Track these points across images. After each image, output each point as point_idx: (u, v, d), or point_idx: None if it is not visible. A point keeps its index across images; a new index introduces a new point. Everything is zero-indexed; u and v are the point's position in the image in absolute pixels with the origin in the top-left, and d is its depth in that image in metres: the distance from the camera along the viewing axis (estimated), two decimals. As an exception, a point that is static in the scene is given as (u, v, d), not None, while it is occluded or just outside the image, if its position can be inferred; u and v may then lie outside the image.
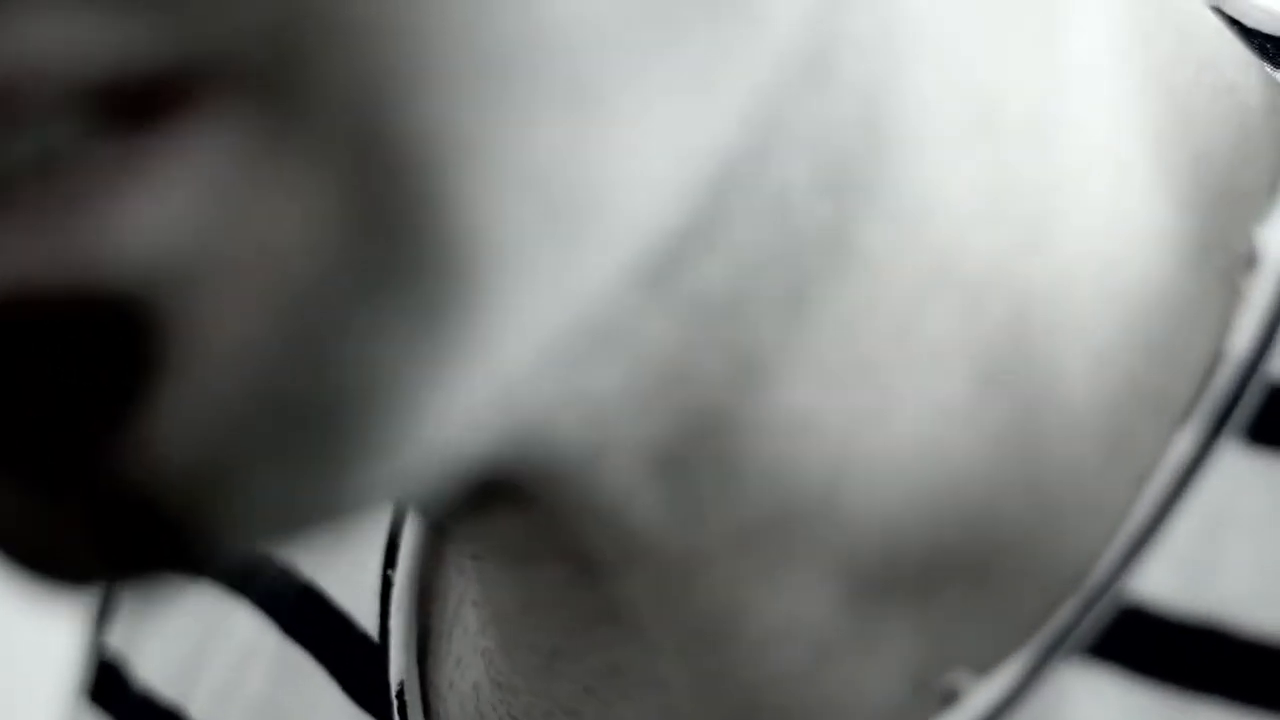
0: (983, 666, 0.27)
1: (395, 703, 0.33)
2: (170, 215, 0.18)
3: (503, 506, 0.27)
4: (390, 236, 0.18)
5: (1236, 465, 0.28)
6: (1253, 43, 0.32)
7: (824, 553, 0.27)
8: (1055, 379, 0.28)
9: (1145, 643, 0.27)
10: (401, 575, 0.34)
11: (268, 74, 0.18)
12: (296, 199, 0.18)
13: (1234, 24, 0.32)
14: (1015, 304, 0.27)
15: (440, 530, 0.32)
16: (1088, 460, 0.28)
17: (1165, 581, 0.27)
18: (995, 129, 0.26)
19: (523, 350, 0.20)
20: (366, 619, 0.35)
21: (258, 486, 0.19)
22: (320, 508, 0.20)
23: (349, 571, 0.35)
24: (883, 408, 0.26)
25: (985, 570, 0.28)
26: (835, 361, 0.26)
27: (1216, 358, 0.28)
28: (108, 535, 0.20)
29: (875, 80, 0.24)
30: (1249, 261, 0.28)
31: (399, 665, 0.33)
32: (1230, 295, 0.29)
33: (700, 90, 0.20)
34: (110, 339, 0.18)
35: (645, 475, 0.26)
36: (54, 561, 0.20)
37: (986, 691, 0.27)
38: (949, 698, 0.27)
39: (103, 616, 0.42)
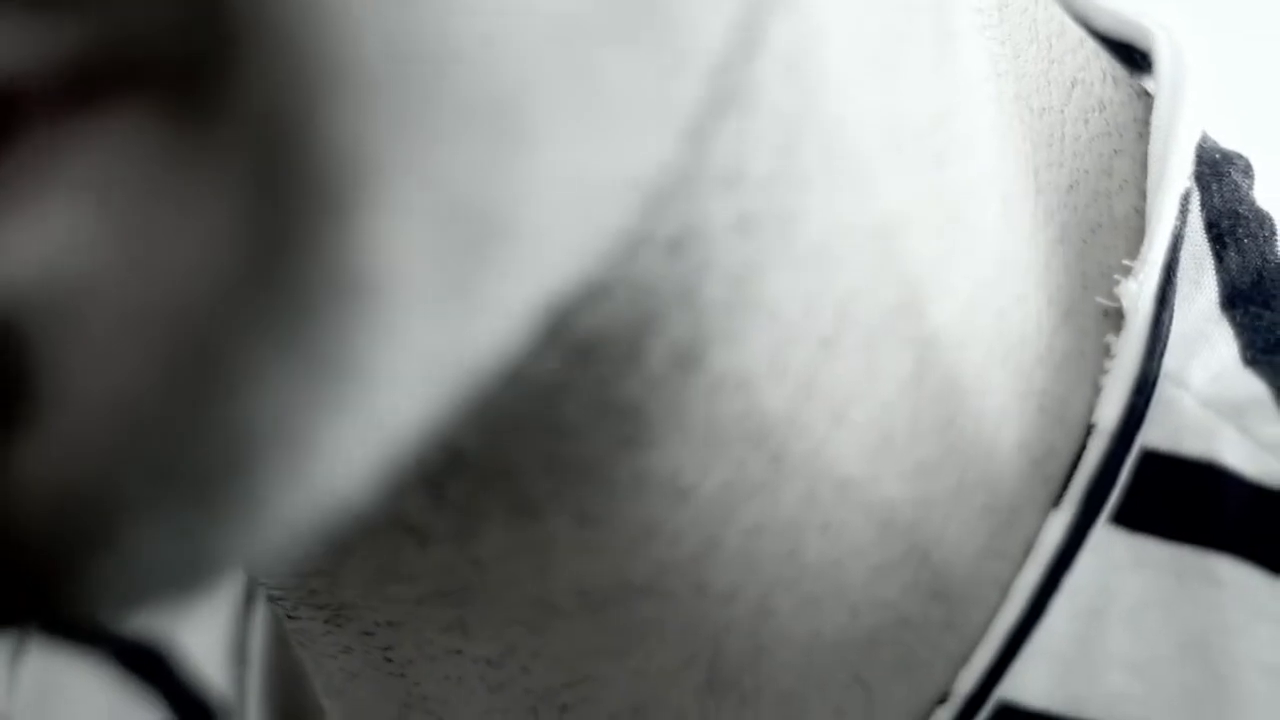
0: None
1: None
2: (53, 234, 0.16)
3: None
4: (292, 263, 0.17)
5: (1111, 550, 0.27)
6: (1106, 48, 0.32)
7: (687, 633, 0.26)
8: (951, 444, 0.26)
9: None
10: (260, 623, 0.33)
11: (178, 72, 0.16)
12: (199, 217, 0.16)
13: (1085, 28, 0.32)
14: (914, 358, 0.26)
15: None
16: (974, 541, 0.27)
17: (1042, 686, 0.27)
18: (898, 163, 0.25)
19: (412, 394, 0.18)
20: (218, 674, 0.34)
21: (129, 542, 0.17)
22: (197, 565, 0.18)
23: (202, 620, 0.34)
24: (768, 480, 0.25)
25: (856, 670, 0.27)
26: (725, 426, 0.24)
27: (1089, 429, 0.27)
28: None
29: (792, 111, 0.23)
30: (1115, 317, 0.28)
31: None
32: (1100, 355, 0.28)
33: (622, 121, 0.19)
34: None
35: (505, 512, 0.25)
36: None
37: None
38: None
39: None
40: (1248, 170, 0.31)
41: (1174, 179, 0.29)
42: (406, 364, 0.18)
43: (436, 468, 0.24)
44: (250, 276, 0.17)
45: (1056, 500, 0.27)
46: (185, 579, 0.18)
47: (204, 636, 0.35)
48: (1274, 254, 0.30)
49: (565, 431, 0.24)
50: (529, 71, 0.17)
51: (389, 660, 0.28)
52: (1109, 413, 0.27)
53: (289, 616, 0.29)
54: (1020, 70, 0.28)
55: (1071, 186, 0.29)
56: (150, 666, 0.35)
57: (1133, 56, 0.32)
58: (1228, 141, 0.31)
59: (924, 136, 0.25)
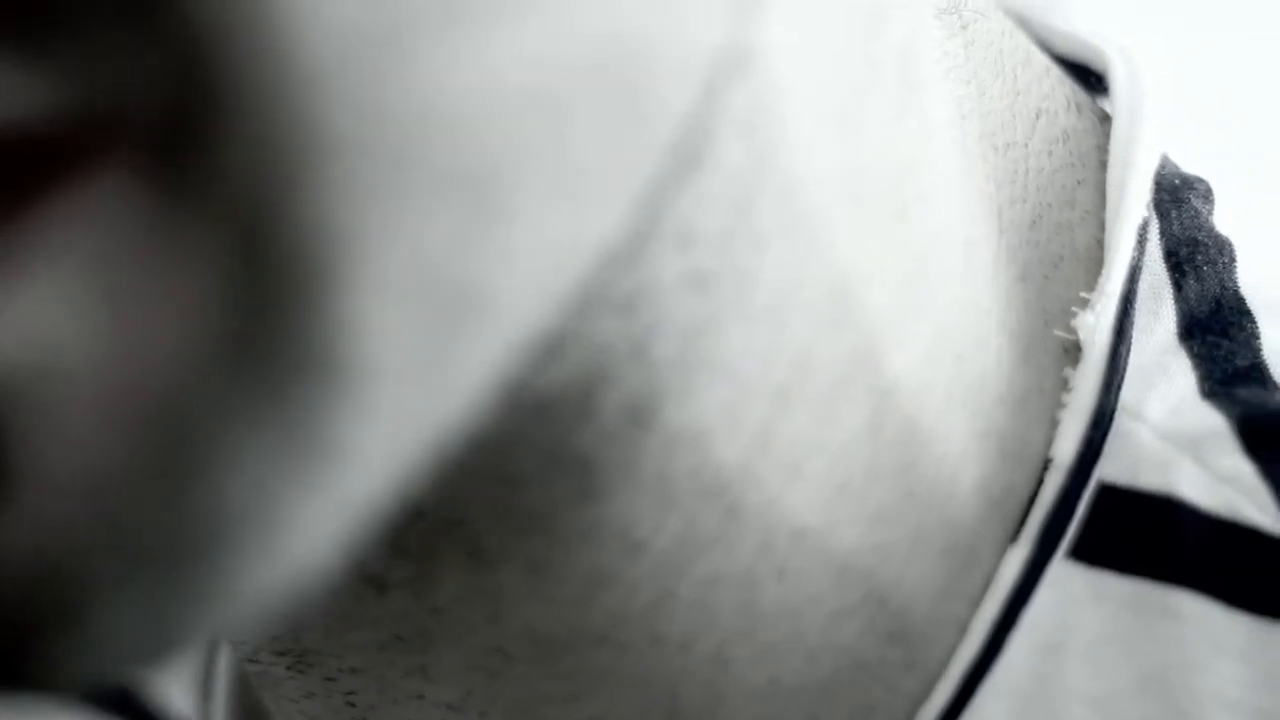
0: None
1: None
2: (30, 309, 0.16)
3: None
4: (271, 341, 0.16)
5: (1069, 585, 0.27)
6: (1066, 71, 0.31)
7: (643, 682, 0.26)
8: (909, 490, 0.26)
9: None
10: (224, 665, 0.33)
11: (159, 135, 0.16)
12: (178, 292, 0.16)
13: (1043, 48, 0.32)
14: (872, 407, 0.26)
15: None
16: (933, 583, 0.27)
17: None
18: (855, 216, 0.25)
19: (380, 466, 0.18)
20: (185, 704, 0.34)
21: (96, 620, 0.17)
22: (164, 639, 0.18)
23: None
24: (723, 532, 0.25)
25: (815, 714, 0.27)
26: (678, 480, 0.24)
27: (1046, 464, 0.27)
28: None
29: (749, 171, 0.23)
30: (1074, 351, 0.28)
31: None
32: (1058, 389, 0.28)
33: (587, 190, 0.19)
34: None
35: (459, 560, 0.25)
36: None
37: None
38: None
39: None
40: (1208, 195, 0.31)
41: (1131, 208, 0.29)
42: (378, 439, 0.18)
43: (395, 520, 0.24)
44: (228, 355, 0.16)
45: (1014, 536, 0.27)
46: (151, 653, 0.18)
47: (175, 674, 0.35)
48: (1233, 281, 0.29)
49: (516, 483, 0.24)
50: (506, 144, 0.17)
51: (352, 705, 0.28)
52: (1065, 447, 0.27)
53: (250, 660, 0.29)
54: (985, 108, 0.28)
55: (1034, 222, 0.28)
56: (120, 698, 0.35)
57: (1089, 78, 0.32)
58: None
59: (885, 190, 0.25)
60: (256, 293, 0.16)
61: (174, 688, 0.34)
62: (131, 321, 0.16)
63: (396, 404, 0.18)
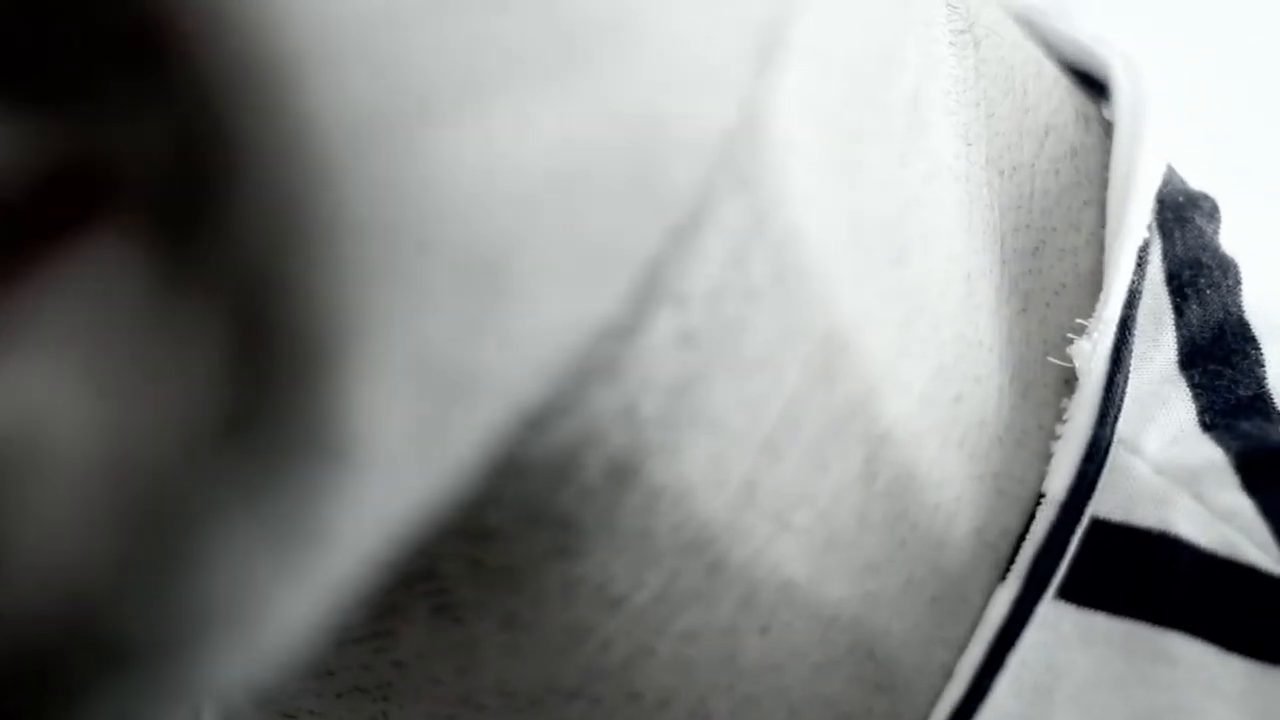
0: None
1: None
2: (23, 383, 0.15)
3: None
4: (266, 425, 0.16)
5: (1059, 625, 0.26)
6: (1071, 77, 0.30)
7: None
8: (901, 540, 0.25)
9: None
10: None
11: (161, 203, 0.15)
12: (173, 368, 0.15)
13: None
14: (866, 455, 0.25)
15: None
16: (921, 631, 0.26)
17: None
18: (852, 262, 0.24)
19: (364, 549, 0.17)
20: None
21: (72, 715, 0.16)
22: None
23: None
24: (705, 588, 0.24)
25: None
26: (660, 537, 0.23)
27: (1037, 500, 0.26)
28: None
29: (744, 227, 0.22)
30: (1073, 381, 0.27)
31: None
32: (1052, 421, 0.27)
33: (595, 269, 0.18)
34: None
35: (425, 616, 0.24)
36: None
37: None
38: None
39: None
40: (1213, 213, 0.29)
41: (1131, 230, 0.28)
42: (365, 523, 0.17)
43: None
44: (220, 438, 0.16)
45: (1003, 575, 0.26)
46: None
47: None
48: (1237, 305, 0.28)
49: (492, 539, 0.23)
50: (518, 228, 0.17)
51: None
52: (1058, 482, 0.26)
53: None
54: (993, 129, 0.27)
55: (1037, 249, 0.27)
56: None
57: (1091, 85, 0.31)
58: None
59: (885, 233, 0.24)
60: (254, 373, 0.15)
61: None
62: (121, 399, 0.15)
63: (386, 487, 0.17)
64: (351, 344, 0.16)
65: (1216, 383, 0.27)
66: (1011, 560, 0.26)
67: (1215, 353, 0.28)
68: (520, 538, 0.23)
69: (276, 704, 0.27)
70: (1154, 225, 0.28)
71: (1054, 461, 0.26)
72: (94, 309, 0.15)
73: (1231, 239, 0.29)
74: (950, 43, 0.26)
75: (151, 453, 0.15)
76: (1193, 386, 0.27)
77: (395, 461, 0.17)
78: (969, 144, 0.26)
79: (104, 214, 0.15)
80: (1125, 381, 0.27)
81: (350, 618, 0.24)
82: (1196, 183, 0.30)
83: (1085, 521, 0.26)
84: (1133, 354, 0.27)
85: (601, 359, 0.21)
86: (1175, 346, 0.27)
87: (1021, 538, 0.26)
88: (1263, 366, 0.28)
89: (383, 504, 0.17)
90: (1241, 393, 0.27)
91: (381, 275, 0.16)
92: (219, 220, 0.15)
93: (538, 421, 0.20)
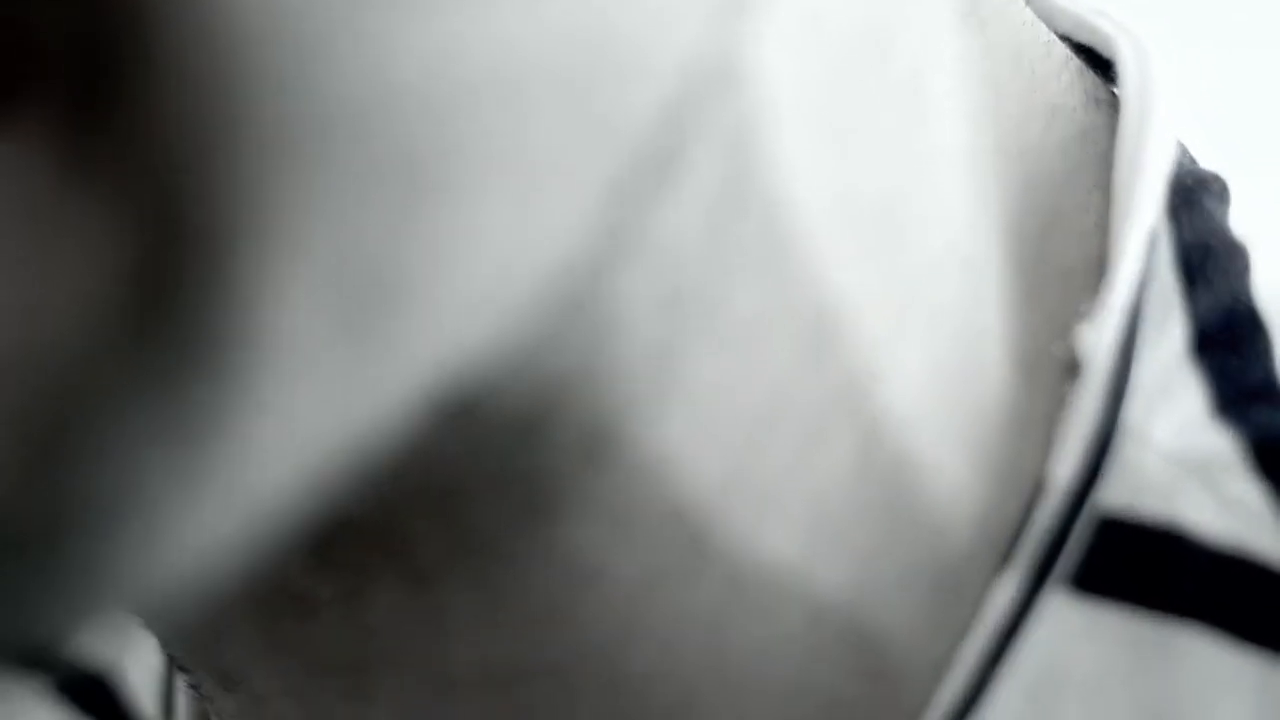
0: None
1: None
2: None
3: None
4: (171, 313, 0.15)
5: (1064, 618, 0.25)
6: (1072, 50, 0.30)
7: (600, 718, 0.25)
8: (897, 526, 0.25)
9: None
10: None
11: (76, 77, 0.15)
12: (78, 254, 0.15)
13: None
14: (859, 439, 0.24)
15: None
16: (919, 620, 0.25)
17: None
18: (847, 241, 0.23)
19: (284, 465, 0.17)
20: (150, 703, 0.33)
21: None
22: (41, 626, 0.17)
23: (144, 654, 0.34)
24: (689, 566, 0.24)
25: None
26: (640, 509, 0.23)
27: (1040, 488, 0.26)
28: None
29: (727, 190, 0.22)
30: (1073, 368, 0.26)
31: None
32: (1056, 408, 0.26)
33: (539, 186, 0.18)
34: None
35: (395, 578, 0.24)
36: None
37: None
38: None
39: None
40: (1223, 194, 0.29)
41: (1138, 215, 0.27)
42: (279, 432, 0.16)
43: (320, 533, 0.22)
44: (124, 325, 0.15)
45: (1003, 565, 0.26)
46: (20, 641, 0.17)
47: (144, 674, 0.34)
48: (1246, 291, 0.27)
49: (461, 500, 0.23)
50: (457, 127, 0.16)
51: None
52: (1063, 471, 0.25)
53: (181, 669, 0.28)
54: (1001, 111, 0.26)
55: (1044, 233, 0.27)
56: (102, 701, 0.34)
57: (1096, 63, 0.30)
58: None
59: (883, 214, 0.24)
60: (159, 261, 0.15)
61: (144, 693, 0.34)
62: (21, 286, 0.15)
63: (304, 397, 0.16)
64: (263, 232, 0.15)
65: (1226, 370, 0.27)
66: (1012, 550, 0.25)
67: (1224, 340, 0.27)
68: (491, 498, 0.22)
69: (246, 685, 0.26)
70: (1162, 208, 0.27)
71: (1059, 449, 0.26)
72: (7, 187, 0.15)
73: (1241, 221, 0.29)
74: (954, 22, 0.26)
75: (50, 341, 0.15)
76: (1202, 373, 0.27)
77: (312, 368, 0.16)
78: (974, 125, 0.26)
79: (13, 101, 0.15)
80: (1132, 369, 0.26)
81: (318, 575, 0.23)
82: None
83: (1090, 511, 0.26)
84: (1141, 341, 0.26)
85: (568, 305, 0.20)
86: (1184, 333, 0.27)
87: (1022, 527, 0.26)
88: (1273, 354, 0.27)
89: (301, 414, 0.16)
90: (1251, 380, 0.27)
91: (300, 164, 0.15)
92: (133, 100, 0.15)
93: (501, 363, 0.20)
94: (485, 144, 0.17)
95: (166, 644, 0.27)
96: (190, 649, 0.26)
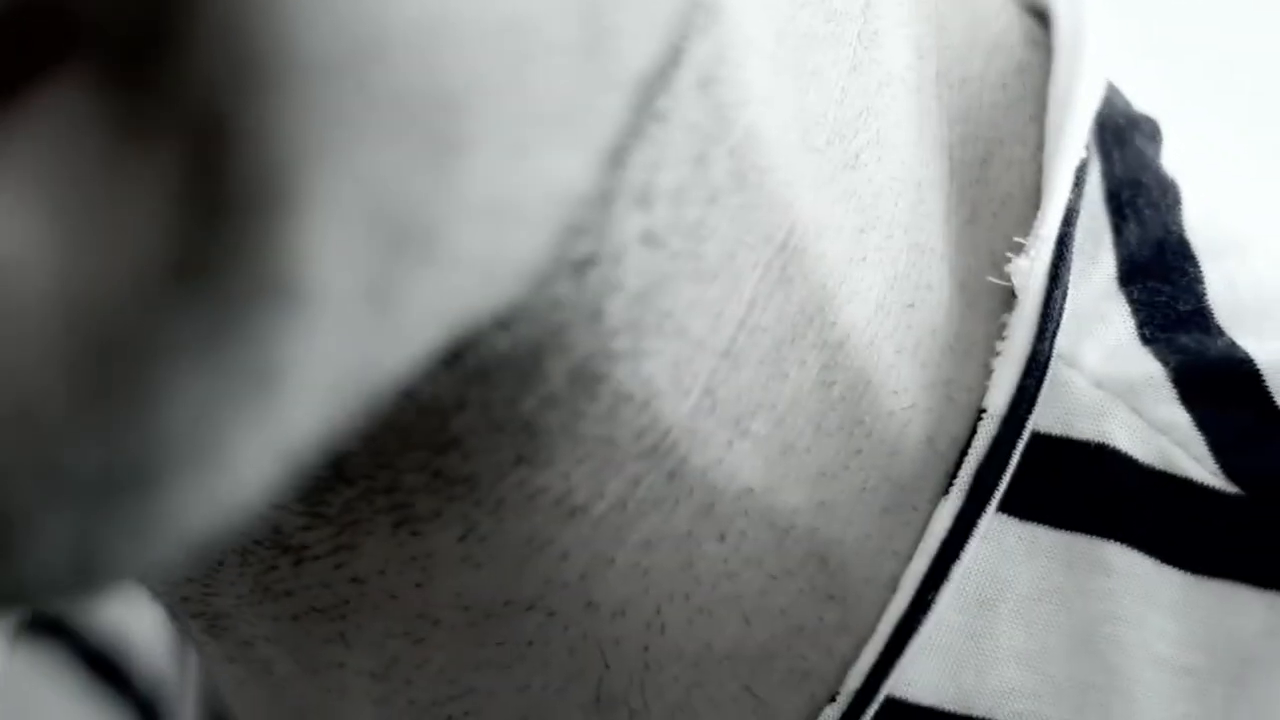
0: None
1: None
2: None
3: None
4: (218, 263, 0.16)
5: (1000, 538, 0.26)
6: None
7: (575, 649, 0.25)
8: (854, 447, 0.26)
9: None
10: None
11: (120, 43, 0.15)
12: (131, 209, 0.15)
13: None
14: (823, 360, 0.25)
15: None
16: (872, 541, 0.26)
17: (931, 681, 0.26)
18: (812, 169, 0.24)
19: (316, 405, 0.17)
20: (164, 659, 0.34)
21: (23, 546, 0.16)
22: (97, 570, 0.17)
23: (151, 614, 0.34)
24: (664, 495, 0.24)
25: (747, 682, 0.26)
26: (622, 444, 0.24)
27: (979, 414, 0.27)
28: None
29: (706, 125, 0.22)
30: (1011, 296, 0.27)
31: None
32: (996, 334, 0.27)
33: (547, 136, 0.18)
34: None
35: (385, 528, 0.24)
36: None
37: None
38: None
39: None
40: (1154, 134, 0.30)
41: (1068, 149, 0.28)
42: (317, 374, 0.17)
43: (315, 482, 0.23)
44: (175, 277, 0.16)
45: (946, 489, 0.26)
46: (78, 584, 0.17)
47: (154, 632, 0.34)
48: (1177, 224, 0.28)
49: (454, 447, 0.23)
50: (469, 71, 0.17)
51: (269, 673, 0.27)
52: (998, 397, 0.26)
53: (172, 616, 0.28)
54: (944, 43, 0.27)
55: (985, 159, 0.28)
56: (115, 670, 0.35)
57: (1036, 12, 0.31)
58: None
59: (840, 140, 0.25)
60: (208, 213, 0.16)
61: (155, 650, 0.34)
62: (80, 243, 0.16)
63: (340, 334, 0.17)
64: (299, 181, 0.16)
65: (1156, 299, 0.28)
66: (955, 472, 0.26)
67: (1154, 270, 0.28)
68: (482, 446, 0.23)
69: (232, 631, 0.27)
70: (1093, 145, 0.28)
71: (994, 376, 0.26)
72: (55, 155, 0.15)
73: (1174, 160, 0.29)
74: None
75: (108, 294, 0.16)
76: (1131, 302, 0.27)
77: (348, 306, 0.17)
78: (920, 56, 0.27)
79: (64, 62, 0.15)
80: (1064, 298, 0.27)
81: (310, 526, 0.24)
82: (1144, 101, 0.30)
83: (1026, 435, 0.26)
84: (1071, 271, 0.27)
85: (566, 249, 0.21)
86: (1114, 264, 0.28)
87: (965, 449, 0.27)
88: (1202, 283, 0.28)
89: (337, 352, 0.17)
90: (1181, 308, 0.28)
91: (328, 114, 0.16)
92: (176, 61, 0.15)
93: (500, 310, 0.20)
94: (494, 88, 0.17)
95: (155, 591, 0.28)
96: (181, 596, 0.27)
